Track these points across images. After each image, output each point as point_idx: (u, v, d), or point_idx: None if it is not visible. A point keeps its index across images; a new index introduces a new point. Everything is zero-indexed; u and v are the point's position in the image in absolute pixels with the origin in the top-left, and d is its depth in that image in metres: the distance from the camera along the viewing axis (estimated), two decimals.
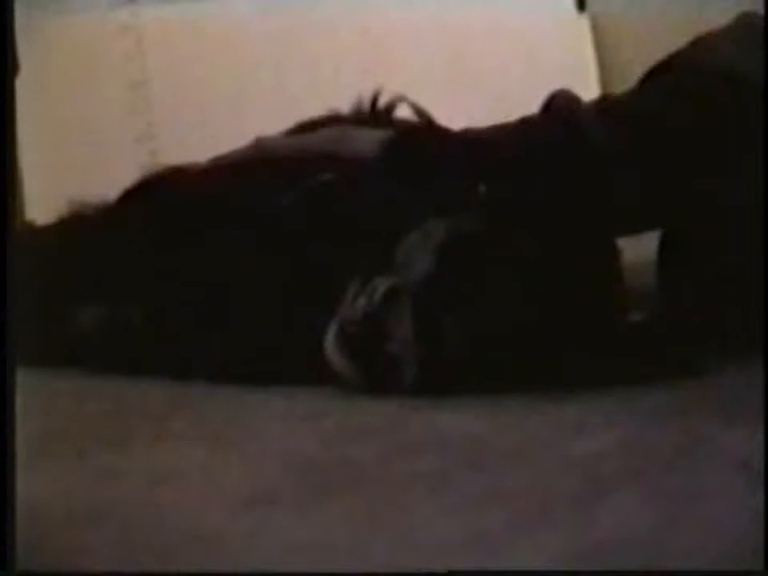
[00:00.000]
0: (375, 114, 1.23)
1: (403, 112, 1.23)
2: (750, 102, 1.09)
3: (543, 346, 0.97)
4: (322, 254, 1.04)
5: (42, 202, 1.91)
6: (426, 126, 1.13)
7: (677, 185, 1.11)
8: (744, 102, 1.09)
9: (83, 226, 1.24)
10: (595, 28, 2.19)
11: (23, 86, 1.92)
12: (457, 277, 0.96)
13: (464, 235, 0.97)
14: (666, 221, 1.16)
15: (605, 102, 1.18)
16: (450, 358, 0.95)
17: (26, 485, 0.68)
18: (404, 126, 1.14)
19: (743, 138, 1.09)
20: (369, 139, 1.11)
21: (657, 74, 1.18)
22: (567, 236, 1.02)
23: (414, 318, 0.95)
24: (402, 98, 1.15)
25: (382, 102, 1.22)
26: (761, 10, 1.09)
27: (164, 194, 1.19)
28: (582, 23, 2.18)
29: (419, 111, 1.16)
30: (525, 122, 1.12)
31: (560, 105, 1.10)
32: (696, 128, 1.09)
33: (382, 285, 0.97)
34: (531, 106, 1.14)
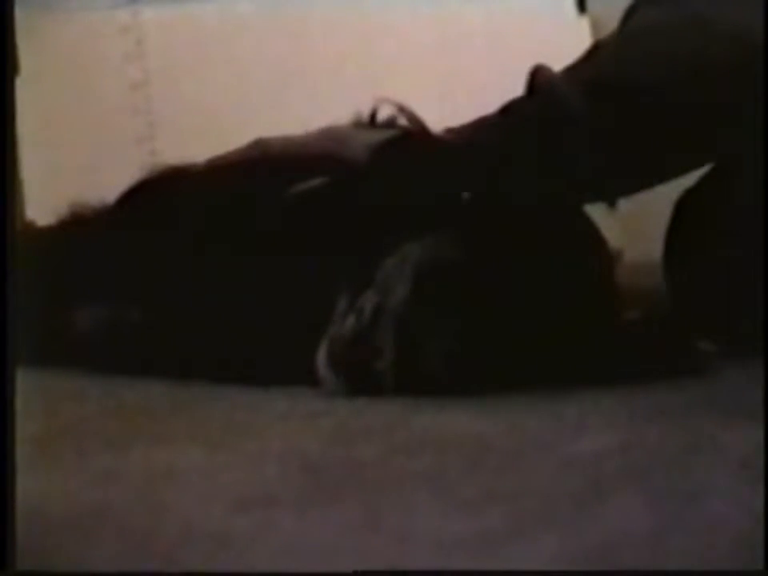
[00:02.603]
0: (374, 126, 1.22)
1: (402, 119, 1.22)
2: (746, 62, 1.07)
3: (528, 359, 0.97)
4: (314, 256, 1.05)
5: (42, 202, 1.91)
6: (416, 133, 1.12)
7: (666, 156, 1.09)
8: (738, 62, 1.07)
9: (82, 227, 1.24)
10: (595, 29, 2.19)
11: (23, 86, 1.92)
12: (434, 302, 0.96)
13: (439, 261, 0.97)
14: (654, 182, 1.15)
15: (585, 69, 1.13)
16: (430, 379, 0.95)
17: (26, 485, 0.68)
18: (395, 133, 1.13)
19: (739, 104, 1.07)
20: (361, 143, 1.11)
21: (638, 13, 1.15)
22: (552, 229, 1.02)
23: (395, 340, 0.96)
24: (401, 110, 1.14)
25: (382, 115, 1.20)
26: (761, 10, 1.08)
27: (162, 195, 1.19)
28: (583, 24, 2.18)
29: (415, 121, 1.15)
30: (504, 110, 1.11)
31: (541, 84, 1.09)
32: (686, 93, 1.07)
33: (369, 302, 0.97)
34: None
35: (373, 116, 1.18)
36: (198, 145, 1.19)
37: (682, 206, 1.19)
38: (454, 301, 0.96)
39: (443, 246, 0.98)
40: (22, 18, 1.89)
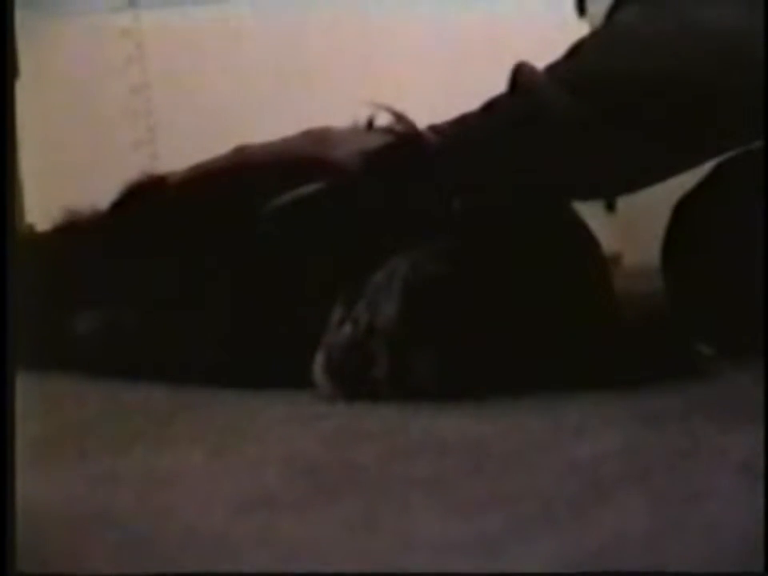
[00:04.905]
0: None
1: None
2: (731, 60, 1.06)
3: (526, 365, 0.97)
4: (310, 262, 1.05)
5: (41, 205, 1.91)
6: (410, 139, 1.11)
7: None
8: (722, 59, 1.06)
9: (76, 234, 1.25)
10: None
11: (23, 90, 1.92)
12: (423, 318, 0.96)
13: (427, 277, 0.97)
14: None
15: (568, 66, 1.11)
16: (423, 390, 0.96)
17: (26, 486, 0.68)
18: (389, 139, 1.12)
19: (724, 101, 1.06)
20: (352, 148, 1.10)
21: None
22: (542, 232, 1.02)
23: (387, 353, 0.96)
24: (397, 117, 1.14)
25: (379, 122, 1.20)
26: (761, 11, 1.07)
27: (146, 204, 1.19)
28: (583, 28, 2.18)
29: (410, 127, 1.14)
30: (487, 108, 1.11)
31: (523, 81, 1.08)
32: (668, 90, 1.06)
33: (365, 312, 0.97)
34: None
35: (370, 123, 1.18)
36: (198, 148, 1.19)
37: (681, 210, 1.19)
38: (443, 316, 0.96)
39: (431, 259, 0.98)
40: (22, 21, 1.89)
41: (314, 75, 2.13)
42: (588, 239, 1.10)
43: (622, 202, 2.05)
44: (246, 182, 1.12)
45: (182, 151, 1.28)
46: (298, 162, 1.11)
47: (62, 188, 1.91)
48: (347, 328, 0.98)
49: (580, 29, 2.16)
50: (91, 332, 1.17)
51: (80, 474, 0.77)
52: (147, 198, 1.20)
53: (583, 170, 1.08)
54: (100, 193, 1.25)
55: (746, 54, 1.05)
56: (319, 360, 0.99)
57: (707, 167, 1.18)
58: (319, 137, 1.16)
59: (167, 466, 0.78)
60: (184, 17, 2.12)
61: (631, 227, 2.02)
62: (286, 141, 1.18)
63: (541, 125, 1.06)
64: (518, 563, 0.57)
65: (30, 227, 1.90)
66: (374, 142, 1.11)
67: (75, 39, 2.10)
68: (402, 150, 1.09)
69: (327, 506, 0.68)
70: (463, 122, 1.11)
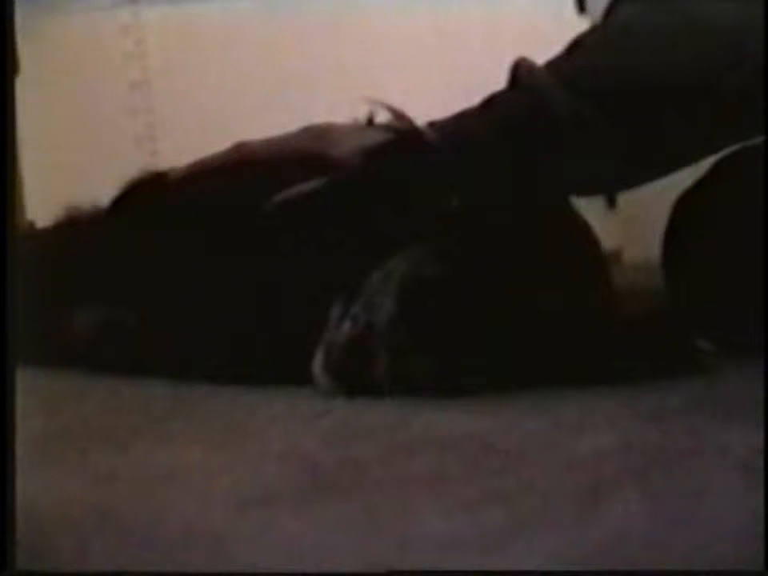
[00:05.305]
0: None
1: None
2: (731, 58, 1.06)
3: (525, 363, 0.97)
4: (309, 259, 1.05)
5: (42, 202, 1.91)
6: (410, 136, 1.11)
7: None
8: (721, 57, 1.06)
9: (77, 230, 1.25)
10: None
11: (23, 86, 1.92)
12: (419, 319, 0.96)
13: (424, 277, 0.97)
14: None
15: (567, 62, 1.11)
16: (422, 388, 0.96)
17: (26, 485, 0.68)
18: (390, 136, 1.12)
19: (724, 99, 1.06)
20: (351, 146, 1.10)
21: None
22: (541, 228, 1.02)
23: (386, 352, 0.96)
24: (397, 115, 1.14)
25: (379, 119, 1.20)
26: (761, 11, 1.08)
27: (147, 200, 1.19)
28: (583, 24, 2.18)
29: (409, 124, 1.14)
30: (486, 104, 1.11)
31: (522, 77, 1.08)
32: (667, 87, 1.06)
33: (364, 310, 0.97)
34: None
35: (370, 120, 1.18)
36: (199, 144, 1.19)
37: (681, 206, 1.19)
38: (441, 314, 0.96)
39: (429, 258, 0.98)
40: (22, 17, 1.89)
41: (314, 72, 2.13)
42: (587, 236, 1.10)
43: (623, 198, 2.05)
44: (246, 179, 1.12)
45: (182, 148, 1.28)
46: (298, 159, 1.11)
47: (62, 184, 1.91)
48: (346, 326, 0.98)
49: (580, 25, 2.16)
50: (91, 329, 1.17)
51: (79, 471, 0.77)
52: (147, 194, 1.20)
53: (583, 166, 1.08)
54: (100, 189, 1.25)
55: (746, 48, 1.05)
56: (319, 358, 1.00)
57: (708, 163, 1.18)
58: (319, 133, 1.16)
59: (166, 462, 0.78)
60: (184, 13, 2.12)
61: (632, 223, 2.03)
62: (285, 137, 1.18)
63: (540, 121, 1.06)
64: (518, 560, 0.57)
65: (31, 224, 1.90)
66: (374, 138, 1.11)
67: (76, 36, 2.10)
68: (402, 147, 1.09)
69: (327, 502, 0.68)
70: (462, 118, 1.11)
